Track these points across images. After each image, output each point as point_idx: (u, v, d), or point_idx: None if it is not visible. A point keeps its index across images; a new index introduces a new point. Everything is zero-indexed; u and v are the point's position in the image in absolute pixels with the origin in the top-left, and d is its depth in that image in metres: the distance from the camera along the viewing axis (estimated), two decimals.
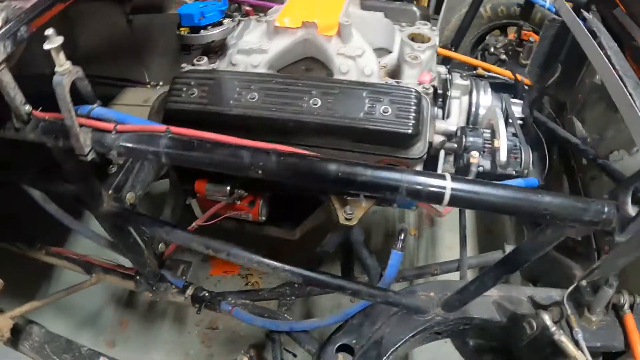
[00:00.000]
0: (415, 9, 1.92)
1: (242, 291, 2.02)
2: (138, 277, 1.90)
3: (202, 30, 1.68)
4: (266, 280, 2.62)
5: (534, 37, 2.39)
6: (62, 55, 1.21)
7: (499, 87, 2.00)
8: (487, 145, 1.54)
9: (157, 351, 2.41)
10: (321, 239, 1.77)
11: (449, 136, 1.66)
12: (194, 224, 1.75)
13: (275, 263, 1.50)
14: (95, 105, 1.36)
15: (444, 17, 3.20)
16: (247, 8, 1.88)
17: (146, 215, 1.57)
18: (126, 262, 2.01)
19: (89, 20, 1.59)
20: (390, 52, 1.80)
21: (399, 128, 1.43)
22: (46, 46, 1.17)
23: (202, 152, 1.25)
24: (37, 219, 2.18)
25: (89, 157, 1.34)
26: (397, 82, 1.59)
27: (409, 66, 1.62)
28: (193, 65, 1.69)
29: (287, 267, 1.50)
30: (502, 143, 1.50)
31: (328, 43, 1.60)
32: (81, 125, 1.30)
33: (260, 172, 1.21)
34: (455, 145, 1.57)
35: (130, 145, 1.29)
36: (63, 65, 1.22)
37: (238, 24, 1.85)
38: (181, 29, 1.69)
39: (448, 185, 1.12)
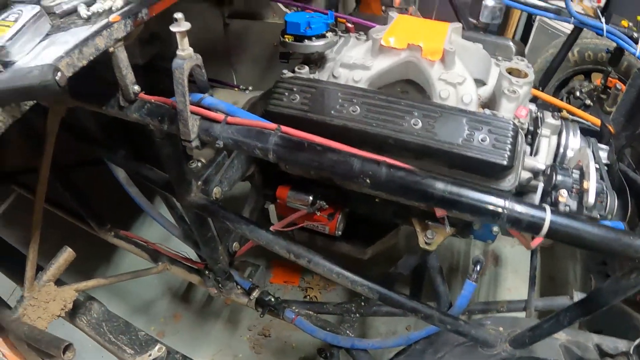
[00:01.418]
0: (511, 44, 1.92)
1: (307, 302, 2.03)
2: (207, 272, 1.92)
3: (306, 40, 1.71)
4: (325, 296, 2.62)
5: (620, 85, 2.37)
6: (186, 40, 1.26)
7: (583, 132, 2.01)
8: (575, 186, 1.53)
9: (205, 349, 2.43)
10: (386, 263, 1.77)
11: (535, 173, 1.66)
12: (271, 228, 1.78)
13: (354, 276, 1.52)
14: (206, 94, 1.40)
15: (527, 57, 3.20)
16: (349, 25, 1.91)
17: (232, 211, 1.59)
18: (192, 256, 2.05)
19: (188, 20, 1.65)
20: (484, 84, 1.81)
21: (495, 158, 1.42)
22: (173, 29, 1.22)
23: (312, 154, 1.27)
24: (108, 202, 2.26)
25: (194, 144, 1.38)
26: (494, 114, 1.59)
27: (507, 99, 1.62)
28: (294, 72, 1.72)
29: (366, 282, 1.51)
30: (592, 185, 1.48)
31: (431, 67, 1.61)
32: (191, 112, 1.34)
33: (368, 181, 1.23)
34: (544, 182, 1.57)
35: (238, 138, 1.32)
36: (185, 50, 1.27)
37: (339, 39, 1.90)
38: (286, 36, 1.73)
39: (548, 217, 1.12)
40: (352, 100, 1.55)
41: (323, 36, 1.74)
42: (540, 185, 1.56)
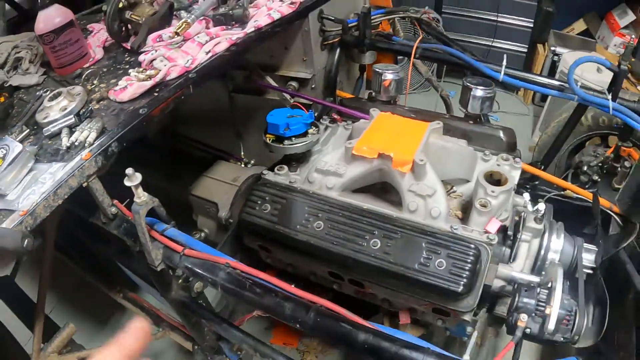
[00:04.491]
0: (501, 135, 1.89)
1: None
2: (196, 347, 2.04)
3: (286, 141, 1.78)
4: None
5: (633, 157, 2.26)
6: (140, 190, 1.35)
7: (586, 213, 1.94)
8: (539, 308, 1.52)
9: None
10: None
11: (510, 281, 1.65)
12: (255, 313, 1.85)
13: None
14: (169, 226, 1.51)
15: (544, 119, 3.07)
16: (336, 116, 1.95)
17: (207, 309, 1.70)
18: None
19: (199, 91, 1.76)
20: (469, 181, 1.81)
21: (449, 285, 1.44)
22: (127, 183, 1.31)
23: (252, 294, 1.36)
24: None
25: (159, 268, 1.51)
26: (464, 227, 1.59)
27: (477, 213, 1.61)
28: (274, 172, 1.79)
29: None
30: (553, 313, 1.46)
31: (401, 178, 1.63)
32: (154, 240, 1.46)
33: (298, 325, 1.31)
34: (510, 301, 1.56)
35: (194, 268, 1.44)
36: (141, 198, 1.37)
37: (325, 129, 1.94)
38: (267, 135, 1.80)
39: None
40: (318, 215, 1.60)
41: (304, 135, 1.79)
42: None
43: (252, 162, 2.23)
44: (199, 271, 1.43)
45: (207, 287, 1.78)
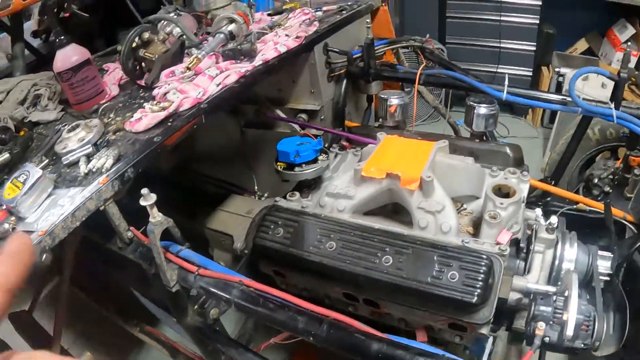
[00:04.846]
0: (508, 151, 1.93)
1: None
2: None
3: (296, 168, 1.83)
4: None
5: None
6: (155, 210, 1.41)
7: (600, 226, 1.94)
8: (557, 315, 1.51)
9: None
10: None
11: (526, 293, 1.65)
12: (272, 340, 1.87)
13: None
14: (184, 247, 1.57)
15: (553, 139, 3.08)
16: (344, 143, 2.01)
17: (223, 335, 1.72)
18: None
19: (209, 127, 1.81)
20: (478, 197, 1.83)
21: (463, 297, 1.45)
22: (142, 203, 1.37)
23: (265, 310, 1.40)
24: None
25: (174, 289, 1.55)
26: (475, 240, 1.61)
27: (487, 226, 1.64)
28: (286, 199, 1.83)
29: None
30: (571, 318, 1.46)
31: (410, 196, 1.67)
32: (169, 261, 1.51)
33: (311, 339, 1.34)
34: (527, 310, 1.57)
35: (208, 288, 1.48)
36: (156, 218, 1.42)
37: (335, 157, 1.99)
38: (278, 163, 1.85)
39: None
40: (330, 236, 1.63)
41: (314, 161, 1.84)
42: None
43: (266, 195, 2.29)
44: (214, 290, 1.47)
45: (223, 314, 1.82)
